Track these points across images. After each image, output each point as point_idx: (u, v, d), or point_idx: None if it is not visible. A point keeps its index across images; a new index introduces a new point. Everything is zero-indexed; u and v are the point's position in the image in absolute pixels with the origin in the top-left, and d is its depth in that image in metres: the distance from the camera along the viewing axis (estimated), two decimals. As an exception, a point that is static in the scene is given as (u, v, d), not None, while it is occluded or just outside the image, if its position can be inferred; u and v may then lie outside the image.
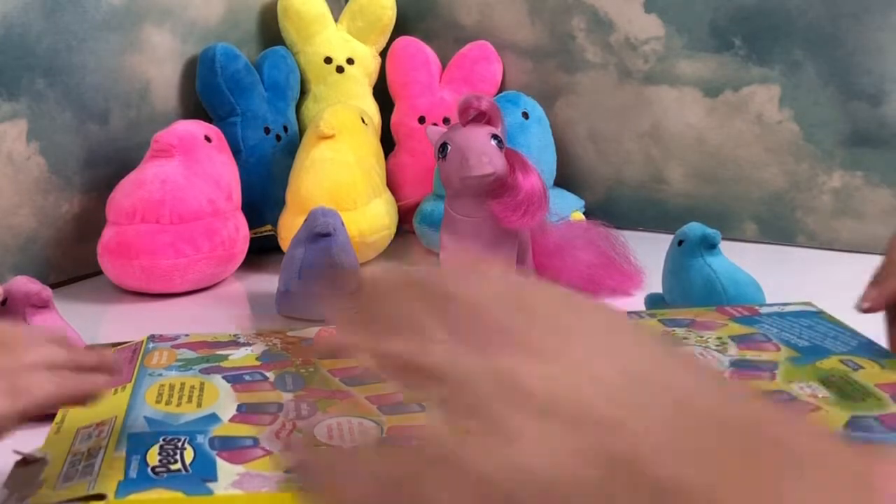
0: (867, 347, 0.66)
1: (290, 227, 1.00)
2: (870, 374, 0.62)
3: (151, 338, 0.60)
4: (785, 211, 1.12)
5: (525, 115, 1.12)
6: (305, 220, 0.93)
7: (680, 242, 0.86)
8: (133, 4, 1.06)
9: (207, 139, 1.01)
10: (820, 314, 0.72)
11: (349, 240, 0.93)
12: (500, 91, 1.20)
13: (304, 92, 1.19)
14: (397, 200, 1.11)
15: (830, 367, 0.63)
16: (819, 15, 1.08)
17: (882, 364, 0.63)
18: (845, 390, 0.60)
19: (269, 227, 1.07)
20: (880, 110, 1.07)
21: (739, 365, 0.62)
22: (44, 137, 0.99)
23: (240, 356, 0.57)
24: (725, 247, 0.85)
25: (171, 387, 0.52)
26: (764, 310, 0.71)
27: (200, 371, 0.55)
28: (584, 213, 1.14)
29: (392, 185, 1.13)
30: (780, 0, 1.10)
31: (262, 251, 1.06)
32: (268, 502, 0.43)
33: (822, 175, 1.10)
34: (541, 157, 1.12)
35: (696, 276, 0.83)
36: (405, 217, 1.11)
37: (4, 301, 0.71)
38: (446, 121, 1.14)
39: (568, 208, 1.11)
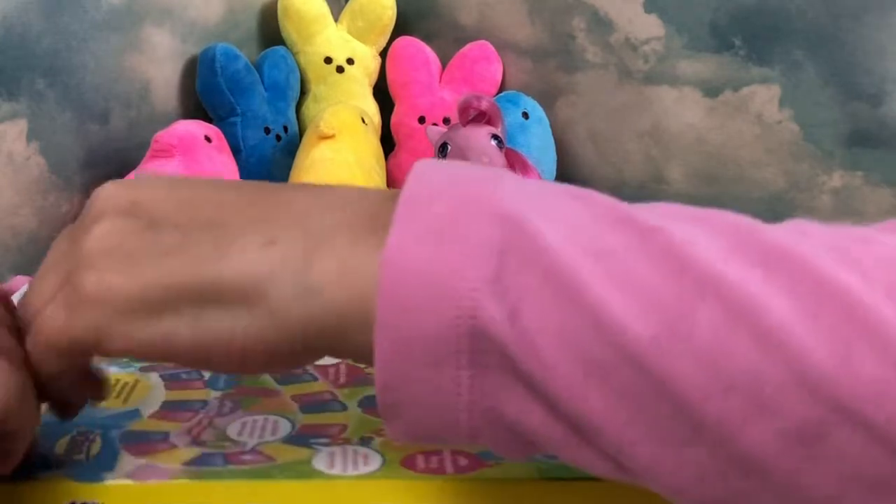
0: None
1: (290, 227, 1.00)
2: None
3: None
4: (785, 211, 1.12)
5: (525, 115, 1.12)
6: (305, 220, 0.93)
7: (680, 242, 0.86)
8: (133, 4, 1.06)
9: (207, 139, 1.02)
10: None
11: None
12: (500, 91, 1.21)
13: (304, 92, 1.19)
14: (397, 200, 1.11)
15: None
16: (819, 15, 1.08)
17: None
18: None
19: (269, 227, 1.07)
20: (880, 110, 1.07)
21: None
22: (44, 137, 0.99)
23: None
24: (725, 247, 0.86)
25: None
26: None
27: (139, 369, 0.55)
28: (584, 213, 1.14)
29: (392, 185, 1.13)
30: (780, 0, 1.10)
31: (262, 251, 1.06)
32: (156, 492, 0.43)
33: (822, 175, 1.10)
34: (541, 157, 1.12)
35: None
36: (405, 217, 1.11)
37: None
38: (446, 121, 1.14)
39: (568, 208, 1.11)
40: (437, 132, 0.87)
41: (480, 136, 0.83)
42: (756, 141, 1.13)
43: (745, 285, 0.31)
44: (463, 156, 0.82)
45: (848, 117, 1.08)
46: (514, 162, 0.84)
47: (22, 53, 0.96)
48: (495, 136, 0.83)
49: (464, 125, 0.84)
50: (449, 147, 0.84)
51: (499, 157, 0.83)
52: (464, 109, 0.84)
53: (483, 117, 0.84)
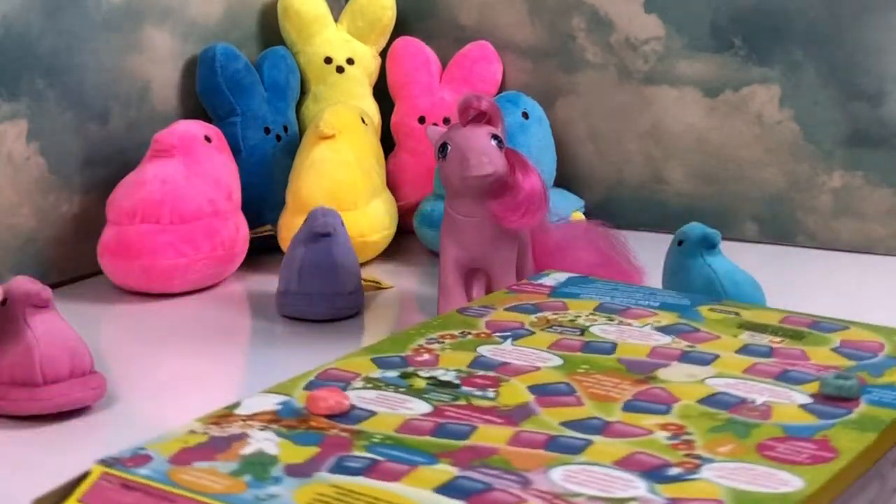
0: (662, 295, 0.75)
1: (290, 227, 1.00)
2: (754, 314, 0.71)
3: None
4: (785, 211, 1.13)
5: (525, 115, 1.12)
6: (305, 220, 0.93)
7: (680, 242, 0.86)
8: (133, 4, 1.06)
9: (207, 139, 1.01)
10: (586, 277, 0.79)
11: (349, 240, 0.93)
12: (500, 91, 1.20)
13: (304, 92, 1.19)
14: (397, 200, 1.11)
15: (719, 315, 0.71)
16: (819, 15, 1.08)
17: (715, 307, 0.72)
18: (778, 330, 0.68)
19: (269, 227, 1.07)
20: (880, 110, 1.07)
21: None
22: (44, 137, 0.99)
23: None
24: (725, 247, 0.86)
25: None
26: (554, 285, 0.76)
27: None
28: (584, 213, 1.14)
29: (392, 185, 1.13)
30: (780, 0, 1.10)
31: (262, 251, 1.06)
32: None
33: (822, 175, 1.10)
34: (541, 157, 1.12)
35: (696, 276, 0.83)
36: (405, 217, 1.11)
37: (4, 301, 0.71)
38: (446, 121, 1.14)
39: (568, 208, 1.11)
40: (437, 132, 0.87)
41: (480, 136, 0.83)
42: (756, 141, 1.13)
43: None
44: (462, 156, 0.82)
45: (848, 117, 1.08)
46: (514, 162, 0.84)
47: (22, 53, 0.96)
48: (495, 136, 0.83)
49: (464, 125, 0.84)
50: (449, 147, 0.83)
51: (499, 158, 0.83)
52: (464, 109, 0.84)
53: (483, 117, 0.84)
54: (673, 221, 0.98)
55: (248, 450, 0.50)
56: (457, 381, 0.59)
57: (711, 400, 0.58)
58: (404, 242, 1.11)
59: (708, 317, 0.70)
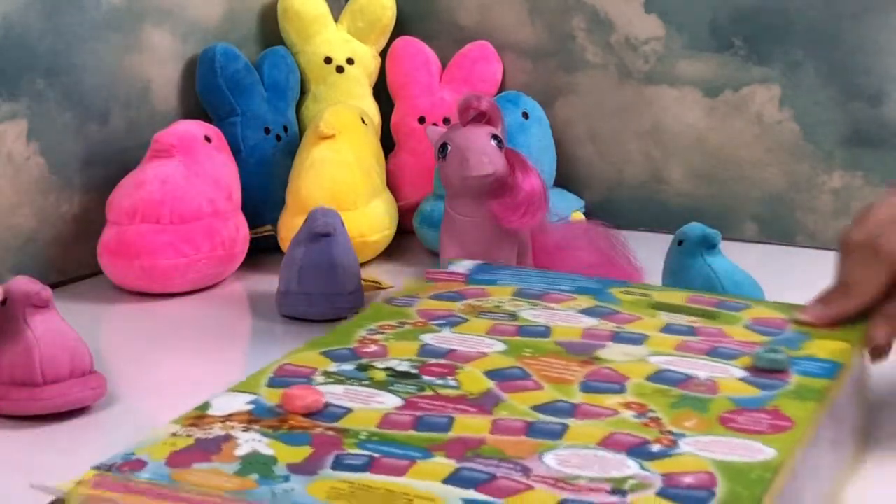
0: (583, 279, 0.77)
1: (290, 227, 1.00)
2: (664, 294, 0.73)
3: None
4: (785, 211, 1.13)
5: (525, 115, 1.12)
6: (305, 220, 0.93)
7: (680, 242, 0.86)
8: (133, 4, 1.06)
9: (207, 139, 1.01)
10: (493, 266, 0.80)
11: (349, 240, 0.93)
12: (500, 91, 1.20)
13: (304, 92, 1.19)
14: (397, 200, 1.11)
15: (631, 297, 0.73)
16: (819, 15, 1.08)
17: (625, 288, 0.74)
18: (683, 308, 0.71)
19: (269, 227, 1.07)
20: (880, 110, 1.07)
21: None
22: (44, 137, 0.99)
23: None
24: (725, 247, 0.86)
25: None
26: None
27: None
28: (584, 213, 1.14)
29: (392, 185, 1.13)
30: (779, 0, 1.10)
31: (262, 251, 1.06)
32: None
33: (822, 175, 1.10)
34: (541, 157, 1.12)
35: (696, 276, 0.83)
36: (405, 217, 1.11)
37: (4, 301, 0.71)
38: (446, 121, 1.14)
39: (568, 208, 1.11)
40: (436, 132, 0.87)
41: (480, 136, 0.83)
42: (756, 141, 1.13)
43: None
44: (462, 156, 0.82)
45: (848, 117, 1.09)
46: (514, 162, 0.84)
47: (22, 53, 0.96)
48: (495, 136, 0.83)
49: (464, 125, 0.84)
50: (449, 147, 0.83)
51: (499, 158, 0.83)
52: (464, 109, 0.84)
53: (483, 117, 0.84)
54: (673, 221, 0.98)
55: (241, 451, 0.51)
56: (414, 371, 0.60)
57: (659, 377, 0.61)
58: (404, 242, 1.11)
59: (622, 299, 0.73)
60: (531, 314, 0.70)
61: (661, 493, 0.48)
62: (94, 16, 1.02)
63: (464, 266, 0.78)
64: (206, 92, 1.11)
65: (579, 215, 1.12)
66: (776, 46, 1.11)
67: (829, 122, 1.09)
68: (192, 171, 0.99)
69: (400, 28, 1.23)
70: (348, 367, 0.61)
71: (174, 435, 0.52)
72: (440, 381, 0.59)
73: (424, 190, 1.11)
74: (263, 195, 1.08)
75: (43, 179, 0.99)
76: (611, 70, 1.18)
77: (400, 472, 0.50)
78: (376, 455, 0.51)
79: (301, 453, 0.51)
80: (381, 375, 0.60)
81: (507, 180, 0.83)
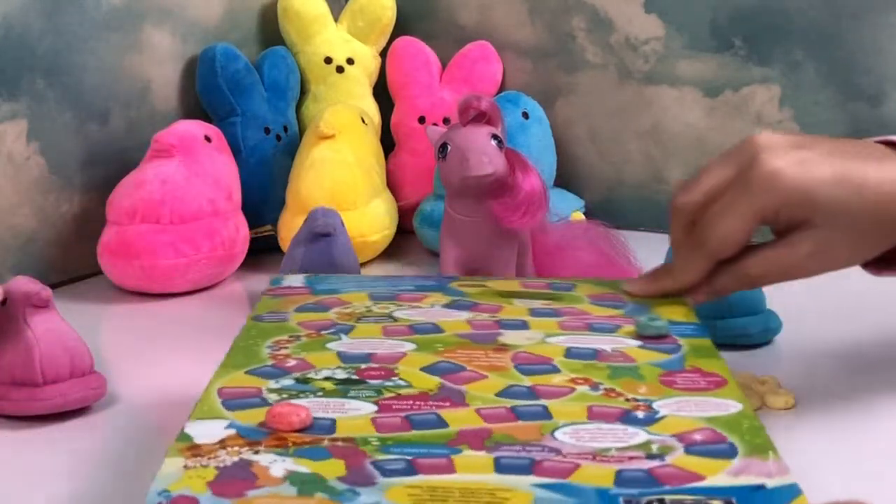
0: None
1: (290, 227, 1.00)
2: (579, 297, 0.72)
3: None
4: (785, 211, 1.12)
5: (525, 115, 1.12)
6: (305, 220, 0.93)
7: (680, 242, 0.85)
8: (133, 4, 1.06)
9: (207, 139, 1.01)
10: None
11: (349, 240, 0.93)
12: (500, 91, 1.20)
13: (304, 92, 1.19)
14: (397, 200, 1.11)
15: (474, 289, 0.74)
16: (819, 15, 1.08)
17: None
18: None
19: (269, 227, 1.07)
20: (880, 110, 1.07)
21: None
22: (44, 137, 0.99)
23: None
24: (725, 247, 0.85)
25: None
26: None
27: None
28: (584, 213, 1.14)
29: (392, 185, 1.13)
30: (779, 0, 1.10)
31: (262, 251, 1.06)
32: None
33: (822, 175, 1.10)
34: (541, 157, 1.12)
35: (696, 276, 0.83)
36: (405, 217, 1.11)
37: (4, 301, 0.71)
38: (446, 121, 1.14)
39: (568, 208, 1.11)
40: (436, 132, 0.87)
41: (480, 135, 0.83)
42: (756, 141, 1.13)
43: None
44: (462, 156, 0.82)
45: (848, 117, 1.08)
46: (514, 162, 0.84)
47: (22, 53, 0.96)
48: (495, 136, 0.83)
49: (464, 125, 0.84)
50: (449, 147, 0.83)
51: (498, 157, 0.83)
52: (464, 109, 0.84)
53: (483, 117, 0.84)
54: (673, 221, 0.98)
55: (279, 472, 0.49)
56: (356, 377, 0.59)
57: (574, 353, 0.62)
58: (404, 242, 1.11)
59: (468, 291, 0.73)
60: (406, 314, 0.69)
61: (688, 452, 0.50)
62: (94, 16, 1.02)
63: (297, 280, 0.77)
64: (206, 92, 1.11)
65: (579, 215, 1.12)
66: (776, 46, 1.11)
67: (829, 122, 1.09)
68: (192, 171, 0.99)
69: (400, 28, 1.23)
70: (288, 381, 0.59)
71: (188, 468, 0.50)
72: (390, 383, 0.58)
73: (424, 190, 1.11)
74: (263, 195, 1.08)
75: (43, 179, 0.99)
76: (611, 70, 1.18)
77: (447, 469, 0.49)
78: (410, 458, 0.50)
79: (337, 466, 0.49)
80: (329, 385, 0.58)
81: (507, 180, 0.83)
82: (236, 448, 0.51)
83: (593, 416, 0.54)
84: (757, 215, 0.65)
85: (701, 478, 0.48)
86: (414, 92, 1.19)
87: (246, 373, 0.60)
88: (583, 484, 0.48)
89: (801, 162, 0.65)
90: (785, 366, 0.78)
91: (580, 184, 1.20)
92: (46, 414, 0.70)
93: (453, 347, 0.63)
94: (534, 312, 0.69)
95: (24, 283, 0.72)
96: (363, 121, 1.10)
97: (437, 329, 0.66)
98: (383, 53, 1.23)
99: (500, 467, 0.49)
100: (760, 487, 0.48)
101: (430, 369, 0.60)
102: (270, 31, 1.20)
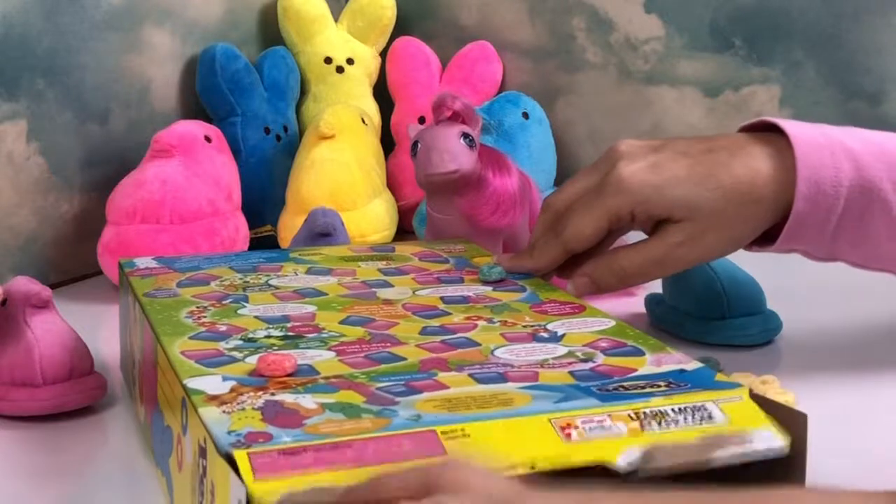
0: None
1: (290, 227, 1.00)
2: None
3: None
4: (785, 211, 1.12)
5: (525, 115, 1.12)
6: (305, 220, 0.93)
7: (680, 242, 0.85)
8: (133, 4, 1.06)
9: (207, 139, 1.01)
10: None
11: (349, 240, 0.93)
12: (500, 91, 1.21)
13: (304, 92, 1.19)
14: (397, 200, 1.11)
15: (314, 257, 0.78)
16: (819, 15, 1.08)
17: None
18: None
19: (269, 227, 1.07)
20: (880, 110, 1.07)
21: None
22: (44, 137, 0.99)
23: None
24: (725, 247, 0.85)
25: None
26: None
27: None
28: (584, 213, 1.14)
29: (392, 185, 1.13)
30: (780, 0, 1.10)
31: (262, 251, 1.06)
32: None
33: (822, 175, 1.10)
34: (541, 157, 1.12)
35: (696, 277, 0.83)
36: (405, 217, 1.11)
37: (4, 301, 0.71)
38: (446, 121, 1.14)
39: (568, 208, 1.11)
40: (416, 130, 0.87)
41: (449, 135, 0.83)
42: (756, 141, 1.13)
43: None
44: (427, 154, 0.82)
45: (848, 117, 1.08)
46: (490, 162, 0.84)
47: (22, 53, 0.96)
48: (466, 135, 0.83)
49: (436, 123, 0.84)
50: (419, 145, 0.84)
51: (466, 156, 0.82)
52: (437, 108, 0.84)
53: (457, 118, 0.84)
54: (673, 221, 0.98)
55: (311, 405, 0.51)
56: (292, 334, 0.61)
57: (449, 300, 0.67)
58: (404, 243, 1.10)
59: (312, 259, 0.77)
60: (282, 282, 0.72)
61: (607, 354, 0.58)
62: (94, 16, 1.02)
63: (148, 262, 0.78)
64: (206, 92, 1.11)
65: (579, 215, 1.12)
66: (776, 46, 1.11)
67: (829, 122, 1.09)
68: (192, 172, 0.99)
69: (400, 28, 1.23)
70: (236, 342, 0.60)
71: (227, 412, 0.50)
72: (326, 335, 0.61)
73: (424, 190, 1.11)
74: (263, 195, 1.08)
75: (43, 179, 0.99)
76: (611, 70, 1.18)
77: (441, 387, 0.53)
78: (401, 383, 0.53)
79: (353, 395, 0.52)
80: (276, 342, 0.60)
81: (477, 179, 0.83)
82: (251, 393, 0.52)
83: (510, 339, 0.60)
84: (607, 214, 0.72)
85: (633, 370, 0.55)
86: (414, 92, 1.19)
87: (190, 338, 0.61)
88: (552, 383, 0.53)
89: (654, 165, 0.71)
90: (785, 366, 0.78)
91: (580, 184, 1.20)
92: (46, 414, 0.70)
93: (349, 305, 0.66)
94: (385, 272, 0.74)
95: (24, 284, 0.72)
96: (363, 121, 1.10)
97: (319, 293, 0.69)
98: (383, 53, 1.23)
99: (479, 380, 0.54)
100: (683, 371, 0.55)
101: (347, 322, 0.63)
102: (270, 31, 1.20)
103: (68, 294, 0.96)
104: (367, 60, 1.21)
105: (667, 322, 0.84)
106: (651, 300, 0.86)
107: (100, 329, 0.88)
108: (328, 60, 1.18)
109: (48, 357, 0.70)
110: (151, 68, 1.09)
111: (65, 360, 0.70)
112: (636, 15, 1.16)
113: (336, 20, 1.20)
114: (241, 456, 0.45)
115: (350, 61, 1.19)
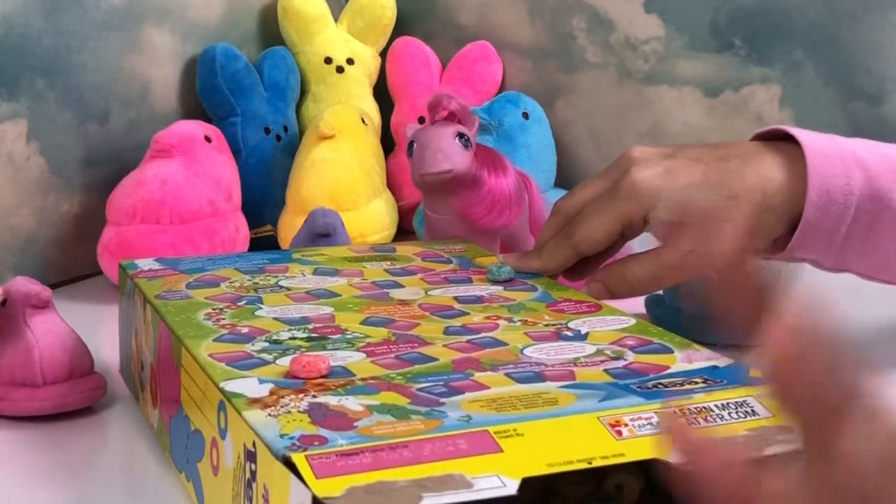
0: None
1: (290, 227, 1.00)
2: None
3: None
4: (785, 211, 1.12)
5: (525, 115, 1.12)
6: (305, 221, 0.93)
7: (680, 242, 0.85)
8: (133, 4, 1.06)
9: (207, 139, 1.01)
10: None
11: (349, 240, 0.93)
12: (500, 91, 1.21)
13: (304, 92, 1.19)
14: (397, 200, 1.11)
15: (321, 257, 0.77)
16: (819, 15, 1.08)
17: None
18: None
19: (269, 227, 1.07)
20: (880, 110, 1.07)
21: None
22: (44, 137, 0.99)
23: None
24: (725, 247, 0.85)
25: None
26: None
27: None
28: (584, 213, 1.14)
29: (392, 185, 1.13)
30: (779, 0, 1.10)
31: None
32: None
33: (822, 175, 1.10)
34: (541, 157, 1.12)
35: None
36: (405, 217, 1.11)
37: (4, 301, 0.71)
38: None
39: (568, 208, 1.11)
40: (413, 130, 0.87)
41: (443, 135, 0.83)
42: (756, 141, 1.13)
43: None
44: (422, 154, 0.82)
45: (848, 117, 1.08)
46: (486, 161, 0.84)
47: (22, 53, 0.96)
48: (461, 135, 0.83)
49: (431, 123, 0.84)
50: (415, 145, 0.84)
51: (461, 156, 0.82)
52: (432, 108, 0.84)
53: (453, 118, 0.84)
54: (673, 221, 0.98)
55: (357, 407, 0.50)
56: (316, 335, 0.61)
57: (464, 300, 0.67)
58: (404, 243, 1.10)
59: (316, 259, 0.77)
60: (292, 283, 0.71)
61: (637, 352, 0.57)
62: (94, 16, 1.02)
63: (150, 263, 0.77)
64: (206, 92, 1.11)
65: (579, 215, 1.12)
66: (776, 46, 1.11)
67: (829, 122, 1.09)
68: (192, 172, 0.99)
69: (400, 28, 1.23)
70: (262, 344, 0.59)
71: (273, 416, 0.49)
72: (350, 337, 0.60)
73: (424, 190, 1.11)
74: (263, 195, 1.08)
75: (43, 179, 0.99)
76: (611, 70, 1.18)
77: (482, 387, 0.53)
78: (440, 383, 0.53)
79: (395, 397, 0.52)
80: (303, 343, 0.59)
81: (473, 179, 0.83)
82: (292, 396, 0.52)
83: (535, 338, 0.60)
84: (620, 218, 0.72)
85: (666, 367, 0.55)
86: (414, 92, 1.19)
87: (214, 340, 0.60)
88: (591, 381, 0.53)
89: (668, 171, 0.72)
90: (785, 366, 0.78)
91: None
92: (46, 414, 0.70)
93: (366, 305, 0.66)
94: (392, 272, 0.73)
95: (24, 284, 0.72)
96: (363, 121, 1.10)
97: (332, 293, 0.69)
98: (383, 53, 1.23)
99: (517, 380, 0.53)
100: (716, 368, 0.55)
101: (368, 323, 0.63)
102: (270, 31, 1.20)
103: (68, 294, 0.96)
104: (367, 60, 1.21)
105: (667, 322, 0.84)
106: (651, 300, 0.86)
107: (100, 329, 0.88)
108: (328, 60, 1.18)
109: (48, 357, 0.70)
110: (151, 68, 1.09)
111: (65, 361, 0.70)
112: (636, 15, 1.16)
113: (336, 20, 1.20)
114: (299, 459, 0.45)
115: (350, 61, 1.19)
